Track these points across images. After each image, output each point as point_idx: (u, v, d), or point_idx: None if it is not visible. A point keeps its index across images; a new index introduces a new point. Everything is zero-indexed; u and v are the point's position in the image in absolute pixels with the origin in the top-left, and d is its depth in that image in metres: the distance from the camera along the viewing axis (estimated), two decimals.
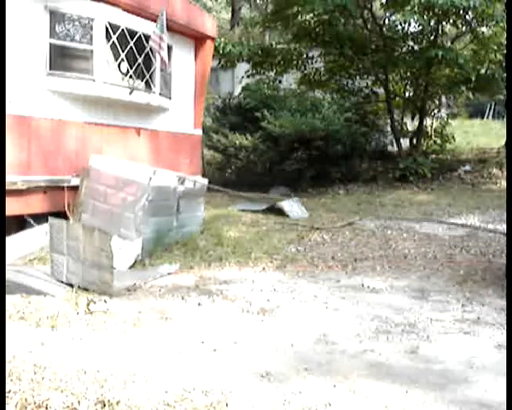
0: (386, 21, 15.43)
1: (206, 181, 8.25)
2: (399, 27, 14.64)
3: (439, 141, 15.93)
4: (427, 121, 16.00)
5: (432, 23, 13.89)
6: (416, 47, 14.65)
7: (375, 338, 4.33)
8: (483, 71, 14.04)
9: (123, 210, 7.15)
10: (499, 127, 20.24)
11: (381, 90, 15.68)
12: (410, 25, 14.35)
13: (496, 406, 3.20)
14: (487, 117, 25.73)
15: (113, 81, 7.90)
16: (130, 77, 8.17)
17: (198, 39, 9.71)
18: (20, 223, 7.28)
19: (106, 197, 7.34)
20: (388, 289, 5.81)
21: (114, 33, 7.77)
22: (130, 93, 8.05)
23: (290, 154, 13.34)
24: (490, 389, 3.43)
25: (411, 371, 3.71)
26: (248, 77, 15.97)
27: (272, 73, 15.95)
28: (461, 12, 13.09)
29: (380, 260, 7.05)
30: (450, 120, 16.84)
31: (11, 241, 6.54)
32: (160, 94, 8.58)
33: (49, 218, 6.10)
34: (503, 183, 13.08)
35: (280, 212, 9.92)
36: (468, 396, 3.33)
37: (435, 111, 16.43)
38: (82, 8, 7.50)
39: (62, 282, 5.63)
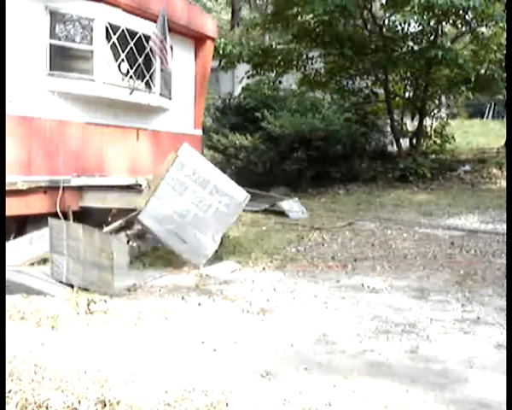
0: (386, 22, 15.43)
1: None
2: (399, 28, 14.63)
3: (438, 141, 15.95)
4: (427, 121, 16.01)
5: (432, 23, 13.89)
6: (415, 47, 14.65)
7: (375, 338, 4.34)
8: (483, 71, 14.05)
9: (208, 216, 6.85)
10: (499, 127, 20.24)
11: (380, 91, 15.68)
12: (409, 25, 14.35)
13: (496, 406, 3.20)
14: (487, 117, 25.72)
15: (114, 81, 7.90)
16: (131, 77, 8.17)
17: (198, 40, 9.70)
18: (20, 223, 7.29)
19: (189, 194, 6.92)
20: (388, 289, 5.81)
21: (114, 34, 7.77)
22: (131, 93, 8.05)
23: (290, 154, 13.34)
24: (490, 389, 3.43)
25: (411, 370, 3.71)
26: (248, 78, 15.98)
27: (272, 74, 15.96)
28: (461, 12, 13.10)
29: (380, 260, 7.05)
30: (449, 120, 16.87)
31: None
32: (160, 94, 8.58)
33: (49, 218, 6.11)
34: (503, 183, 13.09)
35: (280, 212, 9.94)
36: (468, 396, 3.33)
37: (435, 111, 16.44)
38: (82, 8, 7.50)
39: (62, 282, 5.63)
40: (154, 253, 7.44)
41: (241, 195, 7.03)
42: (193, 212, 6.83)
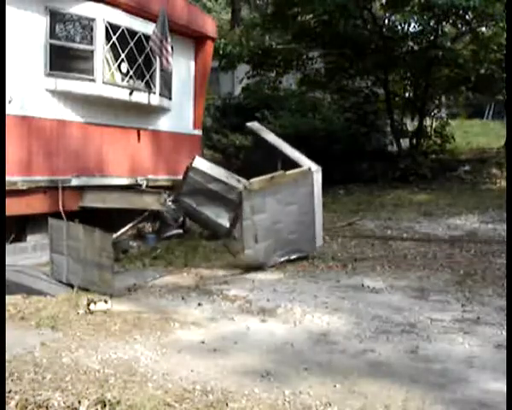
0: (386, 22, 15.44)
1: None
2: (399, 28, 14.65)
3: (438, 141, 15.96)
4: (427, 121, 16.01)
5: (432, 23, 13.90)
6: (415, 47, 14.67)
7: (375, 338, 4.33)
8: (483, 71, 14.06)
9: (287, 239, 6.71)
10: (499, 127, 20.23)
11: (380, 91, 15.70)
12: (409, 25, 14.38)
13: (496, 406, 3.20)
14: (487, 117, 25.70)
15: (114, 81, 7.91)
16: (131, 77, 8.17)
17: (198, 40, 9.71)
18: (21, 223, 7.29)
19: (290, 211, 6.71)
20: (388, 289, 5.81)
21: (114, 34, 7.77)
22: (131, 93, 8.05)
23: None
24: (490, 388, 3.43)
25: (411, 370, 3.71)
26: (248, 78, 15.98)
27: (272, 74, 15.97)
28: (461, 12, 13.11)
29: (380, 260, 7.05)
30: (449, 120, 16.87)
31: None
32: (160, 94, 8.58)
33: (49, 218, 6.11)
34: (503, 183, 13.09)
35: None
36: (468, 396, 3.33)
37: (435, 111, 16.45)
38: (82, 8, 7.50)
39: (62, 282, 5.63)
40: (153, 253, 7.44)
41: (320, 241, 7.00)
42: (280, 226, 6.65)
